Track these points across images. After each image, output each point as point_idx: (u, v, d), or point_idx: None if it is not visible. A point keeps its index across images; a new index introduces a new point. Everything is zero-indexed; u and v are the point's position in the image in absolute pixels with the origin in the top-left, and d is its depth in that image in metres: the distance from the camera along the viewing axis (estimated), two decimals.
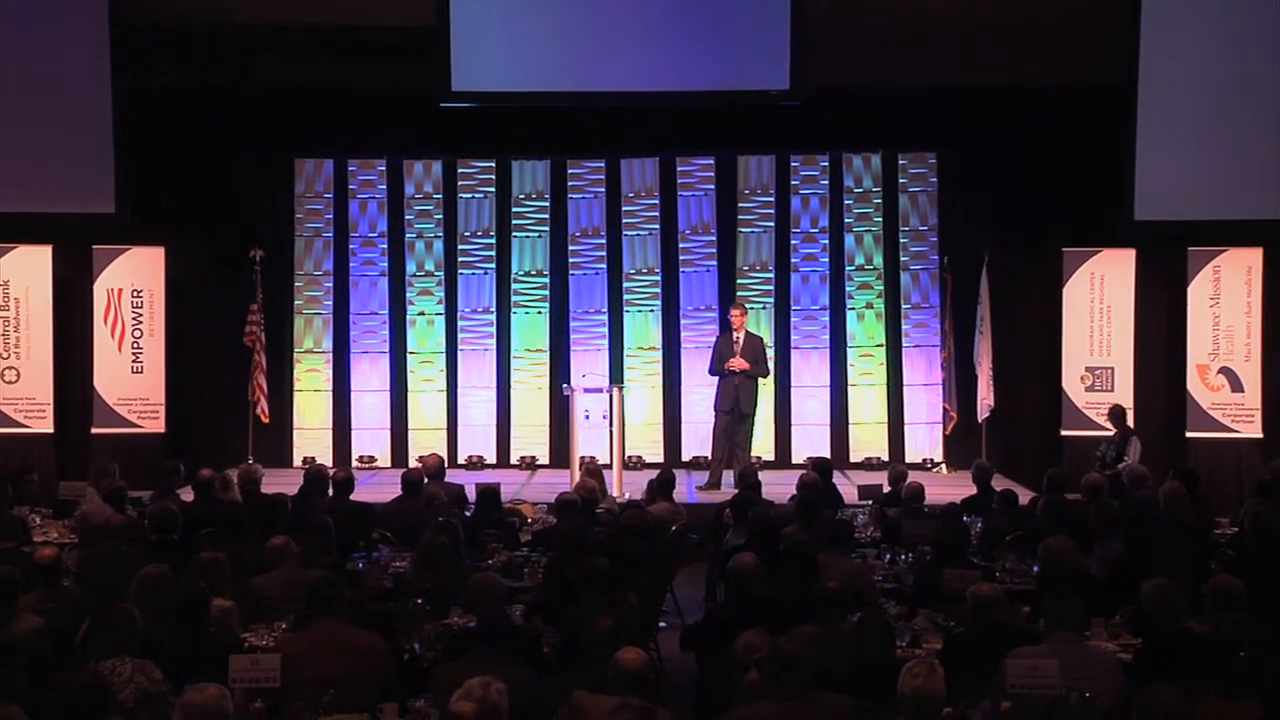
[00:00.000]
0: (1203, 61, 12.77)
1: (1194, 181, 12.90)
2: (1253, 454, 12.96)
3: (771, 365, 14.11)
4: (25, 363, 13.55)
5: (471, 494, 10.14)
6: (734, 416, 12.81)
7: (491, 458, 14.48)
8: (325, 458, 13.85)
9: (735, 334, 12.99)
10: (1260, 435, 13.31)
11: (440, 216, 14.64)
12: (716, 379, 13.03)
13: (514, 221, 14.61)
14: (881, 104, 13.85)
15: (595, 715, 5.34)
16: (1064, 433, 13.60)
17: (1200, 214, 13.03)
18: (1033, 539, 8.57)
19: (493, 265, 14.64)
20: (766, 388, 14.35)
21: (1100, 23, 12.78)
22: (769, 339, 14.33)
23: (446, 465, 13.77)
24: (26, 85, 12.87)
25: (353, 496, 10.25)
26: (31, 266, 13.58)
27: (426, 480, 10.42)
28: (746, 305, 13.64)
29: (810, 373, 14.57)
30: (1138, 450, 12.35)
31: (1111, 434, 12.71)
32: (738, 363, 12.81)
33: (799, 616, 6.54)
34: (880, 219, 14.53)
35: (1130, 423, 12.89)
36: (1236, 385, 13.42)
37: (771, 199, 14.56)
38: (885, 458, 14.07)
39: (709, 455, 13.84)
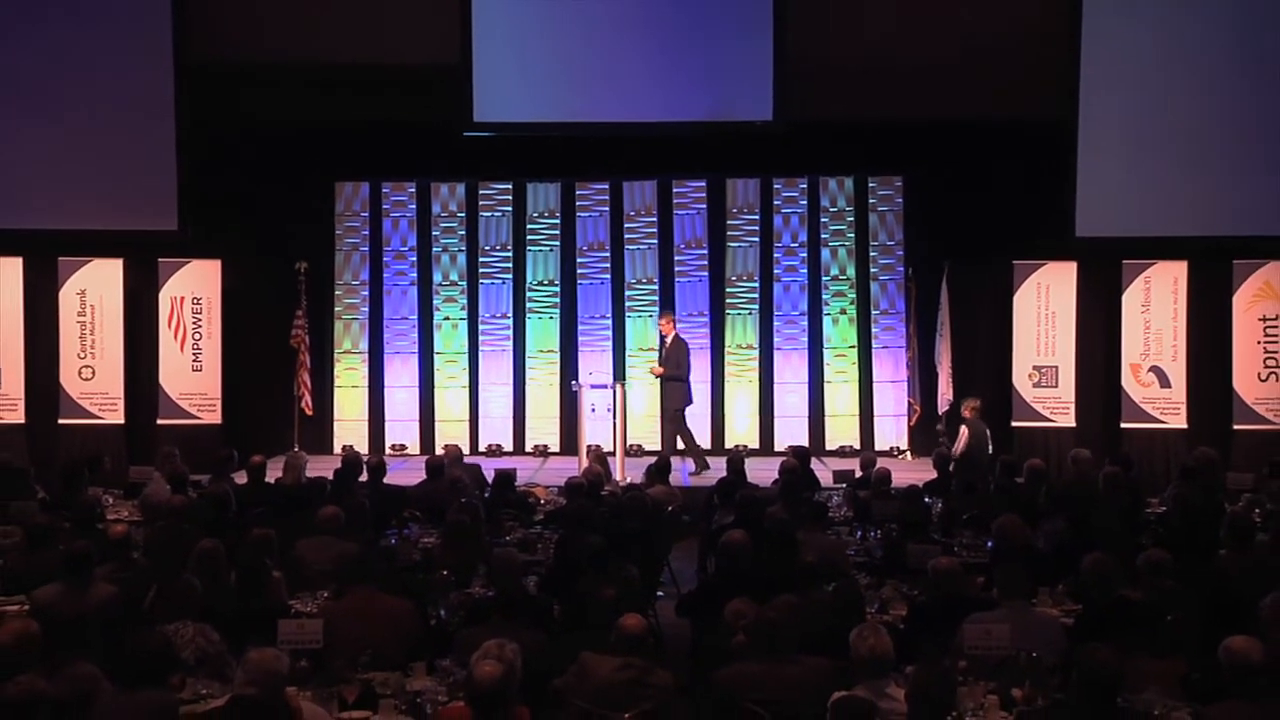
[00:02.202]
0: (1135, 97, 12.76)
1: (1127, 202, 12.91)
2: (1179, 442, 13.00)
3: (755, 362, 14.26)
4: (99, 362, 13.60)
5: (490, 476, 10.12)
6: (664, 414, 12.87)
7: (509, 446, 14.46)
8: (361, 446, 13.87)
9: (666, 339, 13.04)
10: (1185, 426, 13.33)
11: (463, 233, 14.62)
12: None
13: (528, 237, 14.60)
14: (853, 133, 13.82)
15: (600, 674, 5.32)
16: (1014, 424, 13.57)
17: (1133, 231, 13.04)
18: (986, 517, 8.57)
19: (510, 276, 14.63)
20: (752, 383, 14.52)
21: (1045, 64, 12.75)
22: (754, 341, 14.46)
23: (468, 453, 13.93)
24: (102, 119, 12.92)
25: (385, 480, 10.21)
26: (105, 277, 13.64)
27: (448, 465, 10.35)
28: (674, 318, 13.59)
29: (790, 370, 14.55)
30: (964, 439, 12.50)
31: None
32: (656, 369, 12.90)
33: (781, 587, 6.47)
34: (852, 235, 14.52)
35: (966, 414, 12.84)
36: (1165, 382, 13.45)
37: (756, 217, 14.55)
38: (857, 446, 14.02)
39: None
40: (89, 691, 5.08)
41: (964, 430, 12.65)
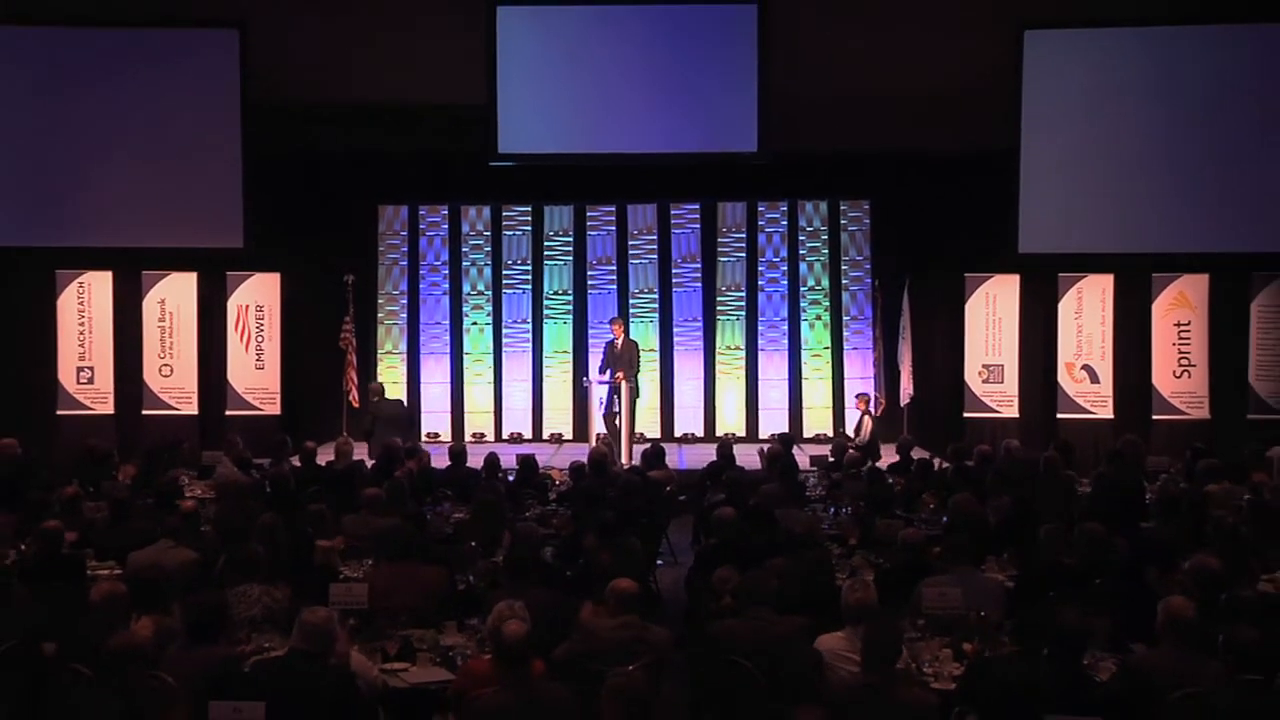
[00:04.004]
0: (1069, 133, 12.74)
1: (1063, 224, 12.89)
2: (1106, 431, 12.97)
3: (742, 361, 14.26)
4: (176, 361, 13.62)
5: (505, 461, 10.08)
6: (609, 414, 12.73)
7: (528, 434, 14.43)
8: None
9: (616, 341, 12.93)
10: (1112, 416, 13.32)
11: (489, 249, 14.61)
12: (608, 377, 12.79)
13: (545, 253, 14.59)
14: (827, 163, 13.82)
15: (602, 631, 5.35)
16: (965, 415, 13.57)
17: (1067, 248, 13.03)
18: (942, 495, 8.61)
19: (529, 286, 14.62)
20: (739, 380, 14.51)
21: (992, 103, 12.71)
22: (741, 343, 14.45)
23: (493, 440, 14.01)
24: (179, 152, 12.93)
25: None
26: (181, 288, 13.67)
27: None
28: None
29: (773, 368, 14.53)
30: (867, 429, 12.60)
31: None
32: (617, 377, 12.59)
33: (762, 556, 6.49)
34: (826, 251, 14.51)
35: (874, 409, 13.10)
36: (1094, 378, 13.45)
37: (743, 236, 14.55)
38: (830, 434, 14.03)
39: (691, 433, 13.95)
40: (170, 640, 5.13)
41: (867, 421, 12.81)
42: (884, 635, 4.72)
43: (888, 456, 11.45)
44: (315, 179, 13.79)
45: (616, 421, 12.57)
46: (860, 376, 14.43)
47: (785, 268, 14.58)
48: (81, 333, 13.60)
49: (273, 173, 13.25)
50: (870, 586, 5.45)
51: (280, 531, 6.76)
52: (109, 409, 13.59)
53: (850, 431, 13.38)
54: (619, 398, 12.55)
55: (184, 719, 4.52)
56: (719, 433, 14.08)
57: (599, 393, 12.81)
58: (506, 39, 13.06)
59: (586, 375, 13.57)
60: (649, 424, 14.19)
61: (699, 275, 14.60)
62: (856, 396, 13.44)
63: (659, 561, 8.97)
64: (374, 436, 11.91)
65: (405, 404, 13.72)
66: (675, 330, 14.63)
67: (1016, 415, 13.58)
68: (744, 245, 14.59)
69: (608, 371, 12.77)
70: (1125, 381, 13.47)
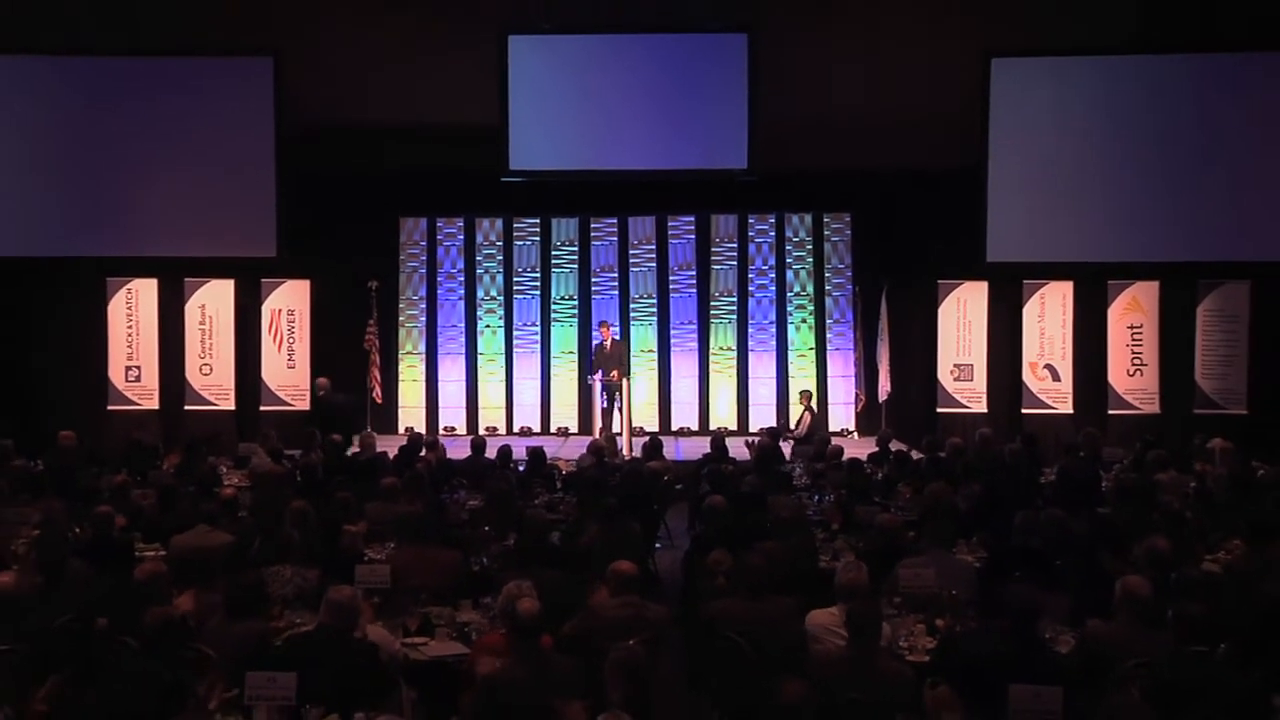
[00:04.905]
0: (1032, 153, 12.76)
1: (1027, 235, 12.88)
2: (1066, 424, 13.01)
3: (734, 361, 14.18)
4: (215, 360, 13.67)
5: (515, 453, 10.07)
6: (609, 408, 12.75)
7: (537, 428, 14.42)
8: (420, 427, 13.78)
9: (604, 343, 13.01)
10: (1071, 411, 13.37)
11: (500, 258, 14.59)
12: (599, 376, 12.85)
13: (552, 261, 14.60)
14: (812, 179, 13.83)
15: (605, 610, 5.34)
16: (938, 410, 13.61)
17: (1031, 258, 13.04)
18: (916, 484, 8.67)
19: (538, 292, 14.61)
20: (731, 378, 14.46)
21: (963, 125, 12.74)
22: (732, 344, 14.41)
23: (504, 433, 13.99)
24: (218, 169, 12.94)
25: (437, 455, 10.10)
26: (220, 294, 13.72)
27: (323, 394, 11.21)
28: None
29: (762, 367, 14.52)
30: (805, 423, 12.57)
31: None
32: (614, 378, 12.63)
33: (752, 540, 6.49)
34: (811, 260, 14.50)
35: (814, 405, 13.10)
36: (1055, 377, 13.49)
37: (734, 246, 14.54)
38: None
39: (687, 427, 13.91)
40: (210, 615, 5.16)
41: (805, 416, 12.80)
42: (868, 614, 4.75)
43: (867, 448, 11.40)
44: (342, 193, 13.79)
45: (614, 415, 12.59)
46: (842, 375, 14.43)
47: (773, 275, 14.58)
48: (130, 335, 13.65)
49: (303, 188, 13.25)
50: (862, 568, 5.41)
51: (310, 517, 6.78)
52: (154, 405, 13.63)
53: (792, 424, 13.30)
54: (619, 395, 12.60)
55: (222, 687, 4.54)
56: (712, 426, 14.03)
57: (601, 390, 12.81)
58: (517, 65, 13.09)
59: (590, 374, 13.52)
60: (648, 418, 14.20)
61: (694, 282, 14.61)
62: (800, 393, 13.40)
63: (657, 545, 8.97)
64: (326, 426, 11.18)
65: (351, 396, 13.27)
66: (672, 332, 14.63)
67: (985, 410, 13.60)
68: (735, 255, 14.59)
69: (600, 371, 12.85)
70: (1083, 379, 13.49)
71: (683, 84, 13.18)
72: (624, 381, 12.59)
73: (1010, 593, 4.96)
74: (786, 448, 11.51)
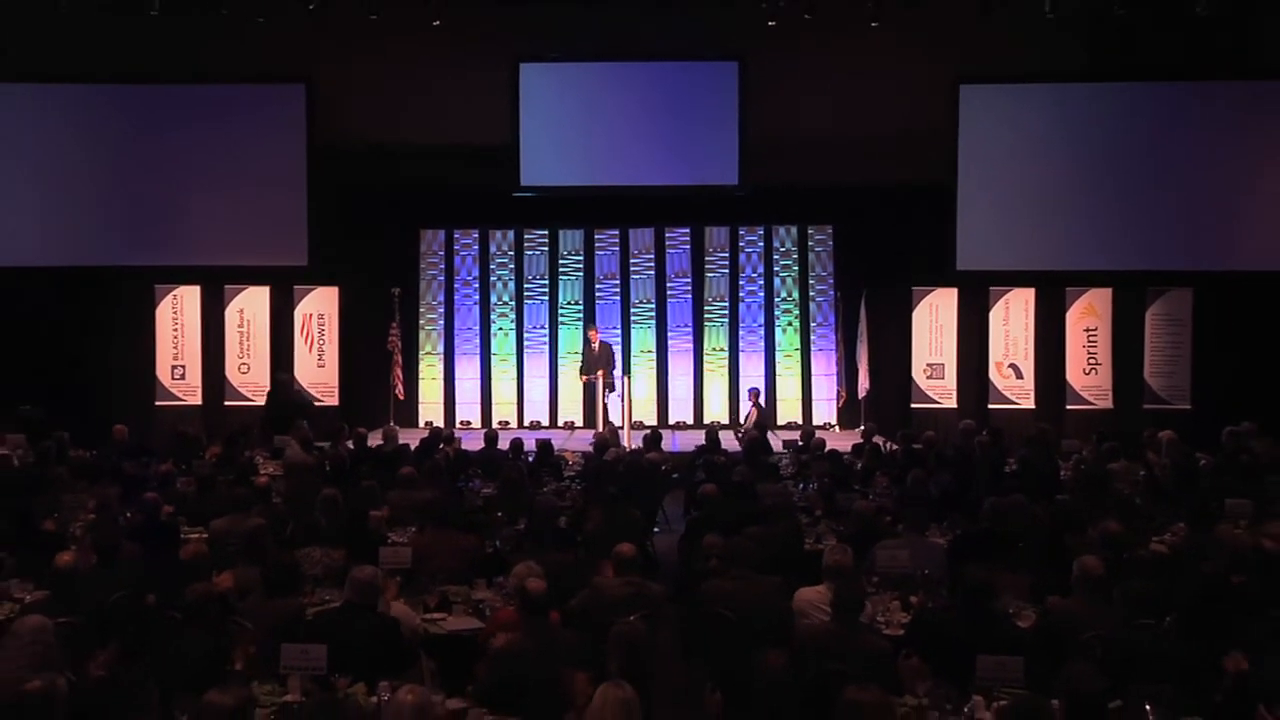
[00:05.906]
0: (998, 168, 12.77)
1: (993, 245, 12.90)
2: (1028, 419, 12.91)
3: (726, 361, 14.16)
4: (253, 360, 13.63)
5: (530, 445, 10.08)
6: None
7: (545, 422, 14.32)
8: (439, 421, 13.82)
9: (593, 345, 13.01)
10: (1033, 406, 13.30)
11: (512, 266, 14.48)
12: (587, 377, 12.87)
13: (560, 270, 14.50)
14: (797, 194, 13.73)
15: (608, 588, 5.35)
16: (913, 405, 13.53)
17: (997, 266, 13.05)
18: (892, 473, 8.68)
19: (546, 297, 14.52)
20: (723, 376, 14.39)
21: (934, 143, 12.74)
22: (725, 345, 14.36)
23: (516, 426, 13.96)
24: (254, 185, 12.98)
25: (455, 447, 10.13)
26: (256, 300, 13.67)
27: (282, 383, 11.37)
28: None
29: (751, 367, 14.39)
30: (752, 419, 12.52)
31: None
32: (600, 377, 12.62)
33: (742, 524, 6.50)
34: (797, 268, 14.40)
35: (762, 401, 13.06)
36: (1019, 375, 13.44)
37: (727, 255, 14.43)
38: (800, 421, 13.90)
39: (683, 421, 13.87)
40: (248, 591, 5.18)
41: (753, 411, 12.77)
42: (851, 593, 4.77)
43: (850, 440, 11.42)
44: (367, 208, 13.75)
45: (605, 408, 12.64)
46: (825, 374, 14.36)
47: (762, 282, 14.49)
48: (175, 337, 13.64)
49: (332, 203, 13.26)
50: (848, 551, 5.40)
51: (338, 503, 6.79)
52: (197, 400, 13.61)
53: (741, 419, 13.25)
54: (609, 391, 12.66)
55: (259, 656, 4.56)
56: (706, 420, 14.04)
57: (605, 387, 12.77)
58: (528, 91, 13.13)
59: (590, 373, 13.54)
60: (647, 413, 14.15)
61: (689, 288, 14.54)
62: (749, 390, 13.29)
63: (656, 529, 8.95)
64: (278, 416, 11.06)
65: (307, 398, 13.08)
66: (669, 334, 14.56)
67: (955, 406, 13.54)
68: (727, 263, 14.50)
69: (589, 371, 12.89)
70: (1044, 377, 13.45)
71: (679, 107, 13.21)
72: (613, 379, 12.58)
73: (967, 572, 4.97)
74: (775, 441, 11.46)
